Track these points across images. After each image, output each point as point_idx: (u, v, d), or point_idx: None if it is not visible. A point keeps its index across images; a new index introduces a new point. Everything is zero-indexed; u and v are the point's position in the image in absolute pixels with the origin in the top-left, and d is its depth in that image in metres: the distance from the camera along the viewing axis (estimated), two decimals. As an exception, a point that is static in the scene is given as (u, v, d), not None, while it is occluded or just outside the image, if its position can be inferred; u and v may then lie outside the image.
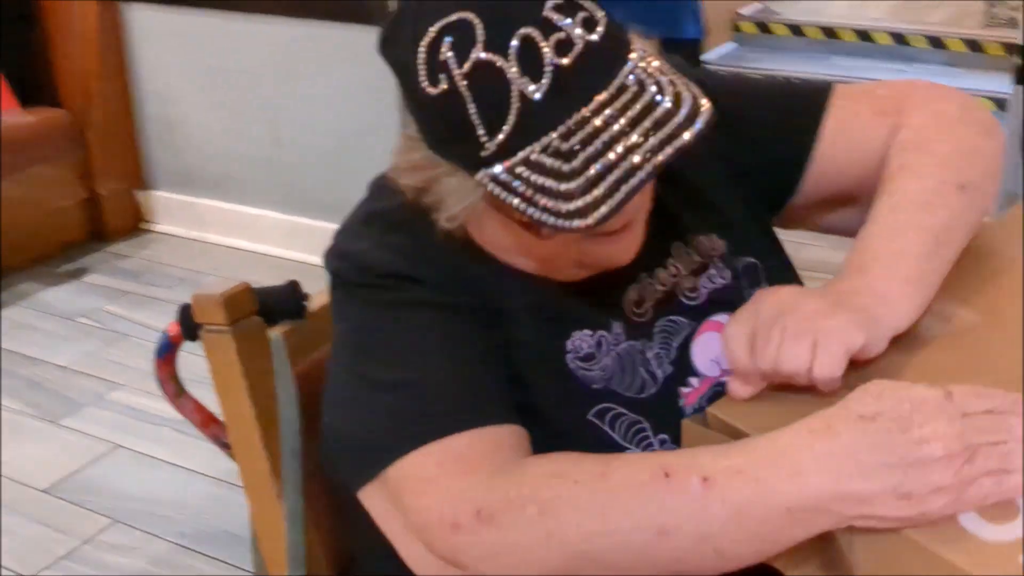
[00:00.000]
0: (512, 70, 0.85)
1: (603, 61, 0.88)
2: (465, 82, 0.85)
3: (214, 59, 3.41)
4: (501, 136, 0.86)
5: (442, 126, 0.90)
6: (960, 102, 1.10)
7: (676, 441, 0.96)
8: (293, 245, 3.47)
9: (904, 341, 0.93)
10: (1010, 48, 4.71)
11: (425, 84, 0.87)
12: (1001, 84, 4.48)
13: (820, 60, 4.96)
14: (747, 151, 1.10)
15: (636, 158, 0.84)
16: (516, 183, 0.87)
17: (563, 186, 0.85)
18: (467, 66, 0.85)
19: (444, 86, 0.86)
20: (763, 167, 1.11)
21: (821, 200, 1.13)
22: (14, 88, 3.46)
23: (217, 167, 3.56)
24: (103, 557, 2.22)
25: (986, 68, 4.71)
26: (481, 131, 0.86)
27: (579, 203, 0.84)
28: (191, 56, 3.45)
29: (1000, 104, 4.39)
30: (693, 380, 1.03)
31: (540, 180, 0.86)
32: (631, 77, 0.88)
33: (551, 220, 0.86)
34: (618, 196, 0.84)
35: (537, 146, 0.86)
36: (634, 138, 0.85)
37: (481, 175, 0.88)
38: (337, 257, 1.04)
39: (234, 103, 3.43)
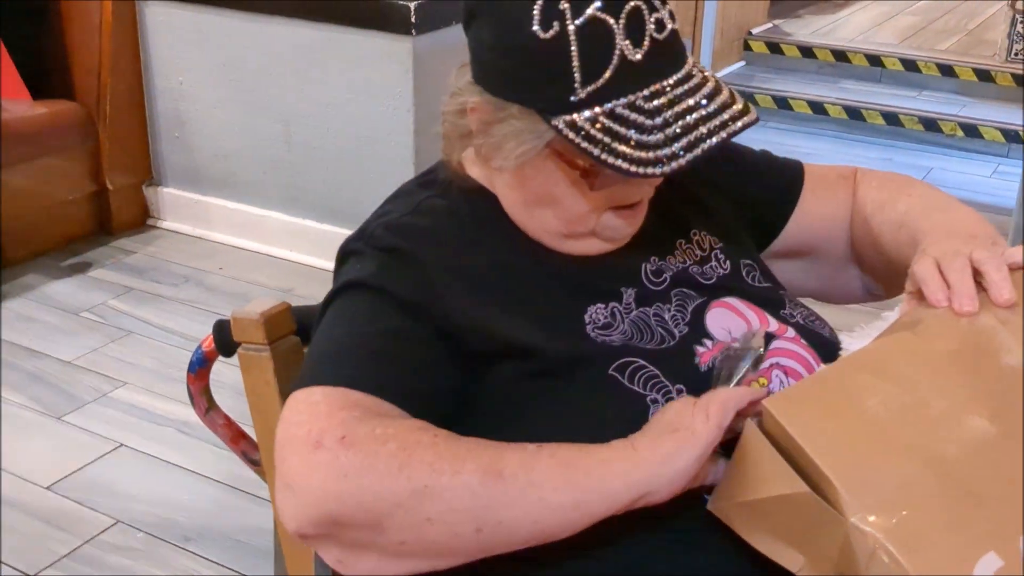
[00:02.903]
0: (619, 32, 0.98)
1: (678, 48, 1.04)
2: (576, 32, 0.98)
3: (228, 58, 3.40)
4: (594, 86, 0.99)
5: (537, 69, 1.00)
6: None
7: (692, 391, 1.02)
8: (298, 247, 3.47)
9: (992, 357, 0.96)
10: (1021, 80, 4.72)
11: (536, 27, 0.98)
12: (1010, 115, 4.50)
13: (830, 83, 4.97)
14: (748, 185, 1.27)
15: (704, 129, 1.00)
16: (595, 131, 0.99)
17: (646, 138, 0.98)
18: (581, 19, 0.98)
19: (555, 30, 0.98)
20: (759, 201, 1.28)
21: (787, 249, 1.30)
22: (27, 80, 3.44)
23: (226, 166, 3.55)
24: (105, 557, 2.21)
25: (995, 99, 4.73)
26: (577, 78, 0.98)
27: (660, 153, 0.98)
28: (205, 54, 3.44)
29: (1006, 135, 4.42)
30: (707, 342, 1.09)
31: (622, 131, 0.98)
32: (694, 69, 1.04)
33: (627, 167, 0.98)
34: (695, 152, 0.99)
35: (623, 101, 0.99)
36: (704, 112, 1.00)
37: (559, 120, 0.99)
38: (354, 236, 1.13)
39: (246, 103, 3.42)
